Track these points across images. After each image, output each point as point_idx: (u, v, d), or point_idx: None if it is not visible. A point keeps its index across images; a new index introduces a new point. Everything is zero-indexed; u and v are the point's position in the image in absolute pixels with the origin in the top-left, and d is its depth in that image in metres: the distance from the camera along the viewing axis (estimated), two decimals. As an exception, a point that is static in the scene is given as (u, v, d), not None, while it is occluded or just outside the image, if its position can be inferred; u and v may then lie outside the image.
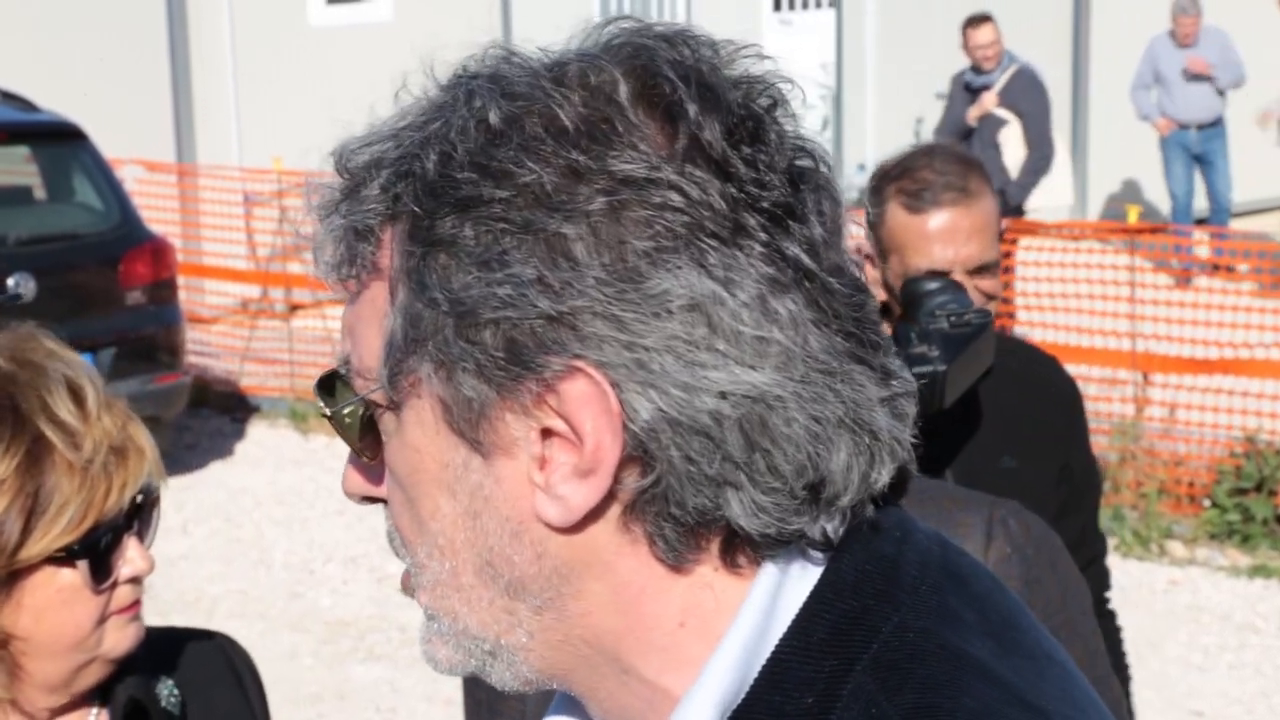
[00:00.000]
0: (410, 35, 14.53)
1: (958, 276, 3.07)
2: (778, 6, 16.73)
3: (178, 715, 2.10)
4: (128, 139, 12.33)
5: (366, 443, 1.15)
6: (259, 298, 12.38)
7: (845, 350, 1.08)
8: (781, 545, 1.07)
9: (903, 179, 3.12)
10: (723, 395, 1.04)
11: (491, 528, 1.09)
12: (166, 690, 2.10)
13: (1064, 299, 9.75)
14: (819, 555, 1.08)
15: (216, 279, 12.40)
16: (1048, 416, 3.36)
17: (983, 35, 11.83)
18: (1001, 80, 11.75)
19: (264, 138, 13.64)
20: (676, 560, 1.08)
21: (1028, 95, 11.79)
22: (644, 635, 1.09)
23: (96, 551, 1.95)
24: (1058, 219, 11.77)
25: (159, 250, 9.43)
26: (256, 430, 10.74)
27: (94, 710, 2.07)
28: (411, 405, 1.10)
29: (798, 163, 1.10)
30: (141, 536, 2.01)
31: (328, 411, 1.16)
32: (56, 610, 1.94)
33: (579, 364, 1.04)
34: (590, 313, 1.04)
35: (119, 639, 2.00)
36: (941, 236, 3.08)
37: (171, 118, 13.75)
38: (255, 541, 8.79)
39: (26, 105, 9.76)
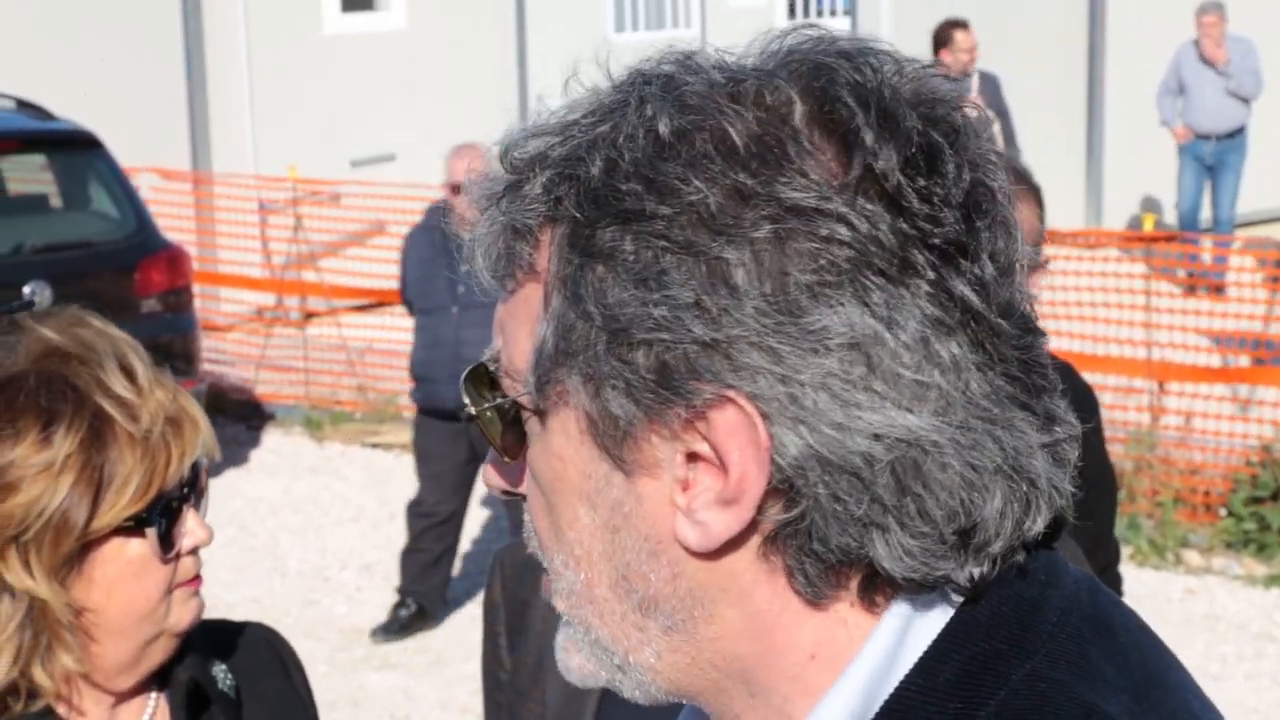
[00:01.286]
0: (424, 43, 14.57)
1: None
2: (792, 13, 16.73)
3: (234, 699, 2.13)
4: (143, 147, 12.36)
5: (508, 441, 1.14)
6: (274, 305, 12.39)
7: (1009, 395, 1.04)
8: (925, 589, 1.04)
9: None
10: (876, 437, 1.01)
11: (629, 544, 1.07)
12: (222, 674, 2.13)
13: (1079, 307, 9.73)
14: (955, 594, 1.05)
15: (232, 287, 12.42)
16: None
17: (970, 39, 11.89)
18: (975, 84, 11.79)
19: (279, 145, 13.66)
20: (814, 595, 1.05)
21: (1000, 96, 11.85)
22: (773, 663, 1.07)
23: (162, 521, 1.98)
24: (1072, 227, 11.75)
25: (174, 258, 9.45)
26: (271, 438, 10.75)
27: (153, 694, 2.09)
28: (557, 414, 1.08)
29: (975, 195, 1.05)
30: (196, 507, 2.04)
31: (472, 409, 1.14)
32: (127, 583, 1.97)
33: (730, 394, 1.02)
34: (746, 343, 1.01)
35: (183, 613, 2.03)
36: None
37: (187, 125, 13.77)
38: (270, 549, 8.79)
39: (42, 113, 9.79)
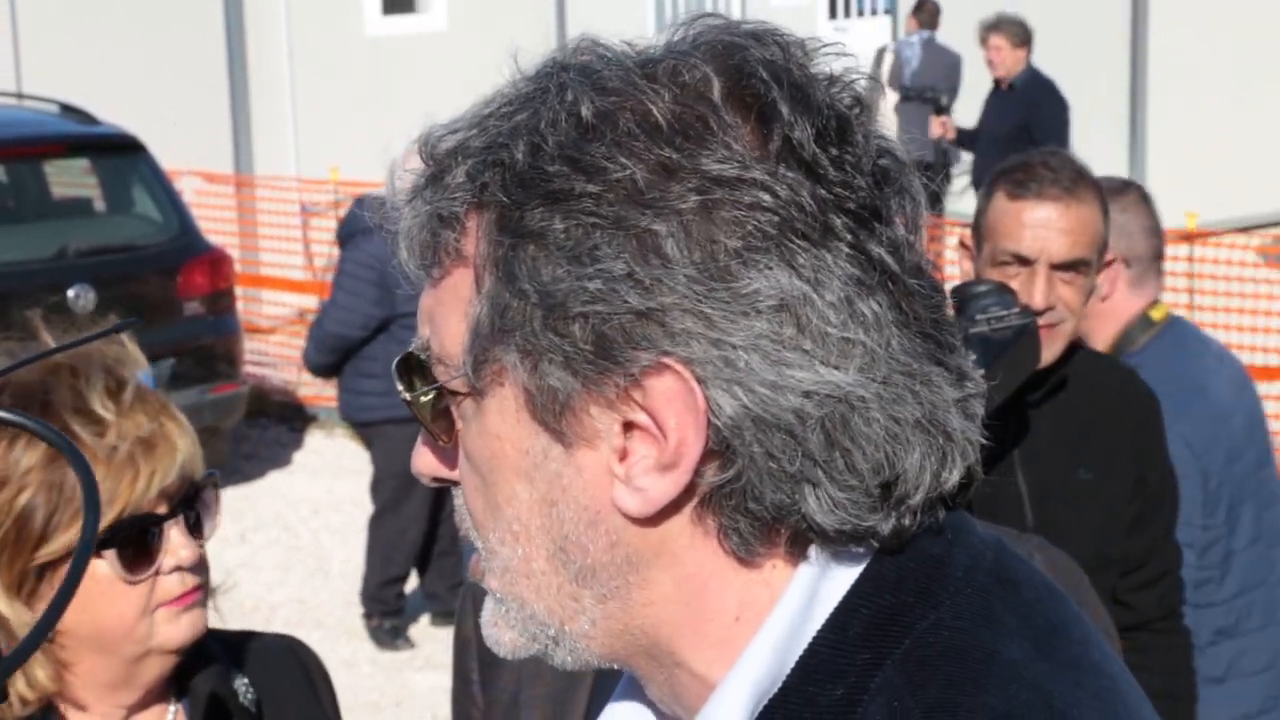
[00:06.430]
0: (465, 44, 14.59)
1: (1041, 269, 3.10)
2: (833, 14, 16.71)
3: (254, 712, 2.09)
4: (186, 150, 12.41)
5: (440, 426, 1.17)
6: (316, 308, 12.41)
7: (924, 352, 1.10)
8: (854, 541, 1.09)
9: (1015, 172, 3.21)
10: (807, 394, 1.06)
11: (568, 515, 1.11)
12: (243, 687, 2.09)
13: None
14: (863, 552, 1.10)
15: (274, 289, 12.46)
16: (1124, 428, 3.32)
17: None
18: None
19: (321, 148, 13.70)
20: (746, 553, 1.09)
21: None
22: (700, 627, 1.12)
23: (127, 542, 1.92)
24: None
25: (217, 261, 9.49)
26: (314, 439, 10.78)
27: (171, 706, 2.05)
28: (493, 393, 1.11)
29: (881, 163, 1.11)
30: (196, 527, 1.99)
31: (406, 395, 1.17)
32: (93, 602, 1.92)
33: (667, 360, 1.06)
34: (680, 310, 1.06)
35: (171, 631, 1.97)
36: (1036, 225, 3.15)
37: (229, 129, 13.83)
38: (313, 550, 8.82)
39: (86, 118, 9.84)
